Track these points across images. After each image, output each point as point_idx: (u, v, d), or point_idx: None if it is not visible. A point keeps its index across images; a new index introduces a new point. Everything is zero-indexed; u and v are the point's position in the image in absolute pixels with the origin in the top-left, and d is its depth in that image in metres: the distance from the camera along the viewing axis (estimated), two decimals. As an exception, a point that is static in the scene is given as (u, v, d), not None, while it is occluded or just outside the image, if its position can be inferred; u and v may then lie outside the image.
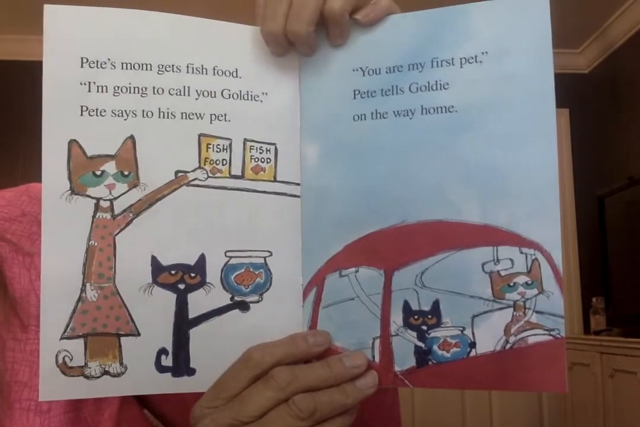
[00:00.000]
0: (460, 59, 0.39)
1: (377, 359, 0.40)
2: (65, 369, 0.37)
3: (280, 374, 0.36)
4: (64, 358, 0.37)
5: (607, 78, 3.05)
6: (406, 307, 0.39)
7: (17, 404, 0.43)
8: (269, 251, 0.40)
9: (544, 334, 0.38)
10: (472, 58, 0.39)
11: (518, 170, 0.38)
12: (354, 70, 0.41)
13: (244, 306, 0.40)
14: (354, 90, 0.41)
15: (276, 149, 0.41)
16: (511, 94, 0.38)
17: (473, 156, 0.38)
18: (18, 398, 0.43)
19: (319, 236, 0.41)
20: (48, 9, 0.38)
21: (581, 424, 2.57)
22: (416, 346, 0.39)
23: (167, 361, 0.38)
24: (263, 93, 0.41)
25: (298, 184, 0.41)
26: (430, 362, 0.39)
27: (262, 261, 0.40)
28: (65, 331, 0.37)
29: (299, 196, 0.41)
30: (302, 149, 0.41)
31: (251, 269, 0.40)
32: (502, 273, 0.38)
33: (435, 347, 0.39)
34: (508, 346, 0.38)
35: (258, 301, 0.40)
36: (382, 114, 0.40)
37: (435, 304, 0.39)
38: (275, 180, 0.41)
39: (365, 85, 0.40)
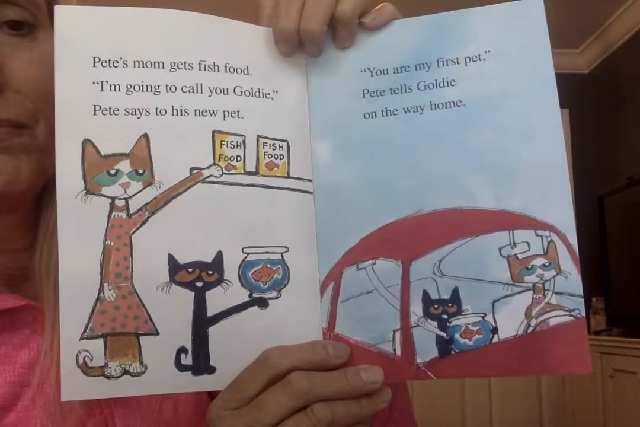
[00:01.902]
0: (465, 58, 0.41)
1: (398, 352, 0.39)
2: (86, 369, 0.37)
3: (298, 380, 0.36)
4: (84, 358, 0.37)
5: (607, 78, 3.06)
6: (425, 296, 0.39)
7: None
8: (285, 247, 0.40)
9: (564, 315, 0.38)
10: (476, 57, 0.41)
11: (528, 157, 0.39)
12: (361, 71, 0.42)
13: (262, 303, 0.39)
14: (363, 90, 0.42)
15: (288, 146, 0.41)
16: (515, 89, 0.40)
17: (484, 146, 0.40)
18: None
19: (334, 230, 0.41)
20: (58, 9, 0.38)
21: (581, 424, 2.57)
22: (437, 335, 0.39)
23: (187, 360, 0.38)
24: (273, 91, 0.41)
25: (310, 181, 0.41)
26: (452, 352, 0.39)
27: (279, 256, 0.40)
28: (84, 331, 0.37)
29: (311, 192, 0.41)
30: (313, 146, 0.42)
31: (269, 265, 0.40)
32: (520, 256, 0.39)
33: (457, 336, 0.39)
34: (530, 330, 0.38)
35: (277, 297, 0.40)
36: (392, 111, 0.41)
37: (455, 292, 0.39)
38: (289, 177, 0.41)
39: (373, 84, 0.42)
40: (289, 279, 0.40)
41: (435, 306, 0.39)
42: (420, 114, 0.41)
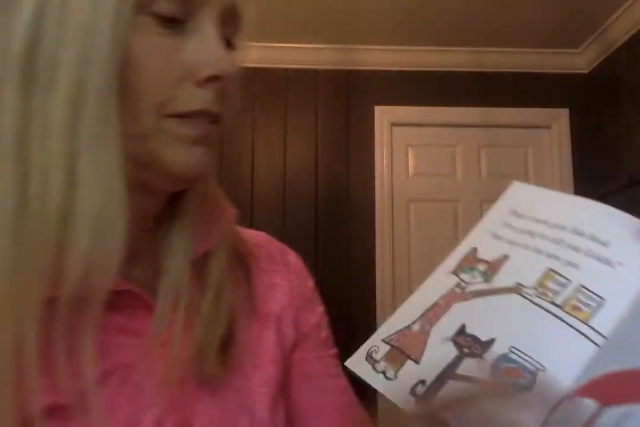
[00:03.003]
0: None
1: None
2: (368, 356, 0.54)
3: None
4: (373, 350, 0.55)
5: (607, 78, 3.08)
6: None
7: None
8: (544, 367, 0.47)
9: None
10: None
11: None
12: None
13: None
14: None
15: (603, 303, 0.49)
16: None
17: None
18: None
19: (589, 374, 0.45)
20: (515, 184, 0.61)
21: None
22: None
23: (420, 390, 0.50)
24: (619, 262, 0.50)
25: (603, 336, 0.47)
26: None
27: (534, 369, 0.47)
28: (386, 337, 0.55)
29: (598, 345, 0.46)
30: (624, 311, 0.47)
31: (521, 370, 0.47)
32: None
33: None
34: None
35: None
36: None
37: None
38: (586, 324, 0.48)
39: None
40: (529, 389, 0.47)
41: None
42: None
